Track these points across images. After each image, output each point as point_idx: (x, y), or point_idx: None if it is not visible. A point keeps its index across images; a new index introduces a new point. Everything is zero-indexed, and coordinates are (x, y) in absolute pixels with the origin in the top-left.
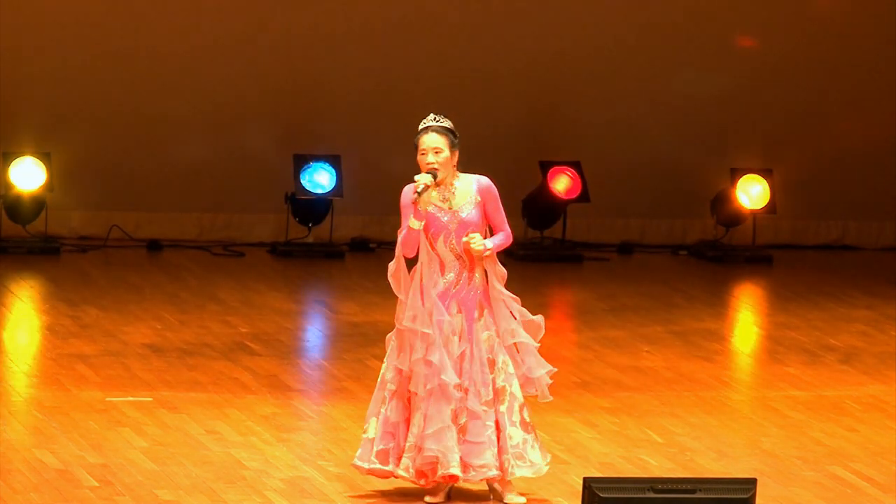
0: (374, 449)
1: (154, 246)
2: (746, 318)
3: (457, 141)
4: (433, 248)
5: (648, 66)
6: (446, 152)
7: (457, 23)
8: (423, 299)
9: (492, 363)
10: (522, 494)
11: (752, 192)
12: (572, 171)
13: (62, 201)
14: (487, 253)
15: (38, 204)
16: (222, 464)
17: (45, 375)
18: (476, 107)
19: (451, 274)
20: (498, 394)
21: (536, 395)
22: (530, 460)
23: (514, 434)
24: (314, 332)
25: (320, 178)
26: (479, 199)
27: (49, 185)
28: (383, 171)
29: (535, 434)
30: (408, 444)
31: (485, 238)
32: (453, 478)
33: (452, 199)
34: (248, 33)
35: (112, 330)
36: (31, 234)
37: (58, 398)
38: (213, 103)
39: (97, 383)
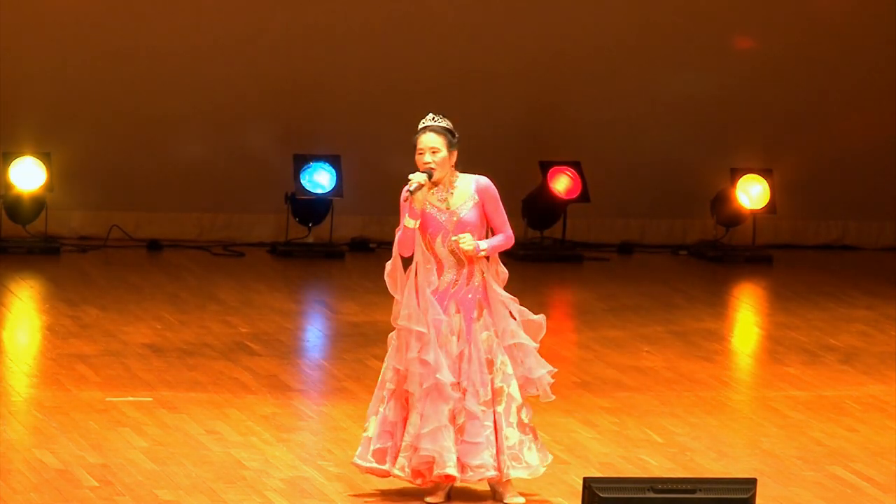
0: (372, 448)
1: (154, 246)
2: (746, 318)
3: (455, 141)
4: (432, 248)
5: (649, 67)
6: (443, 152)
7: (457, 23)
8: (418, 298)
9: (490, 363)
10: (522, 494)
11: (752, 192)
12: (572, 171)
13: (62, 201)
14: (482, 253)
15: (38, 204)
16: (222, 464)
17: (45, 375)
18: (476, 107)
19: (450, 274)
20: (496, 394)
21: (538, 396)
22: (526, 461)
23: (511, 435)
24: (314, 332)
25: (320, 178)
26: (477, 199)
27: (49, 185)
28: (383, 171)
29: (534, 435)
30: (404, 444)
31: (486, 239)
32: (450, 478)
33: (450, 198)
34: (248, 33)
35: (112, 330)
36: (31, 234)
37: (58, 398)
38: (213, 103)
39: (97, 383)
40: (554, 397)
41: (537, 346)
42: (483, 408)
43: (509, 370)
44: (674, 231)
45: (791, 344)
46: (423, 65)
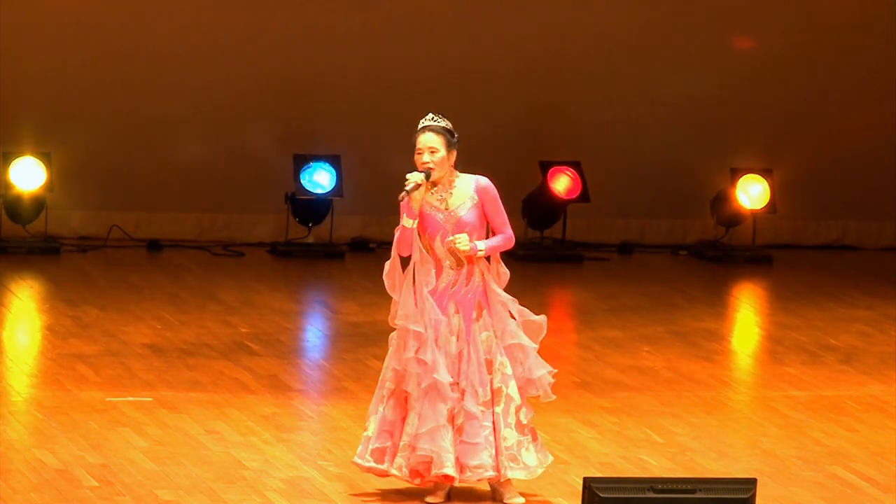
0: (370, 447)
1: (154, 246)
2: (746, 318)
3: (454, 141)
4: (431, 248)
5: (649, 67)
6: (442, 152)
7: (457, 23)
8: (415, 298)
9: (489, 364)
10: (522, 495)
11: (752, 192)
12: (572, 171)
13: (62, 201)
14: (480, 254)
15: (38, 204)
16: (222, 464)
17: (45, 375)
18: (476, 107)
19: (450, 274)
20: (494, 395)
21: (539, 396)
22: (523, 462)
23: (509, 435)
24: (314, 332)
25: (320, 178)
26: (476, 199)
27: (49, 185)
28: (383, 171)
29: (533, 436)
30: (402, 444)
31: (486, 239)
32: (448, 478)
33: (449, 198)
34: (248, 33)
35: (112, 330)
36: (31, 234)
37: (58, 398)
38: (213, 103)
39: (97, 383)
40: (554, 397)
41: (537, 346)
42: (482, 408)
43: (508, 371)
44: (674, 231)
45: (791, 344)
46: (423, 65)
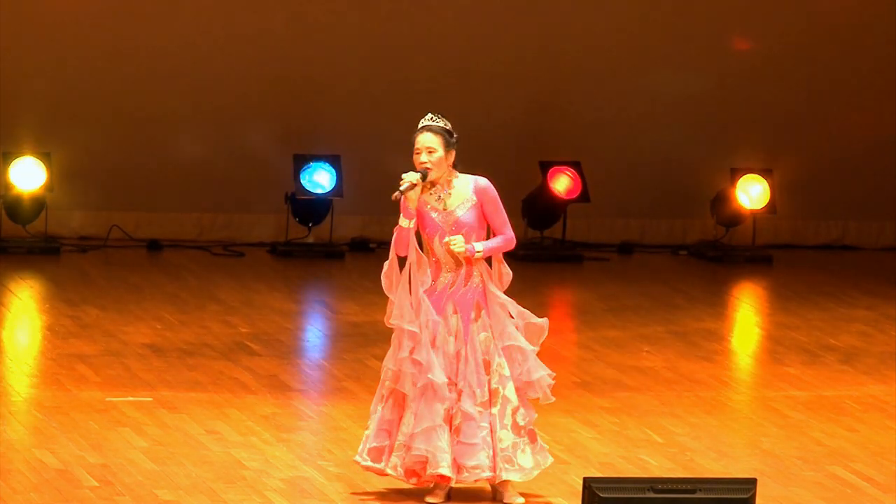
0: (368, 446)
1: (154, 246)
2: (746, 318)
3: (453, 141)
4: (430, 248)
5: (648, 66)
6: (440, 152)
7: (457, 23)
8: (411, 298)
9: (487, 364)
10: (522, 495)
11: (752, 192)
12: (572, 171)
13: (62, 201)
14: (478, 255)
15: (38, 204)
16: (222, 464)
17: (45, 375)
18: (476, 107)
19: (449, 274)
20: (492, 396)
21: (538, 398)
22: (519, 464)
23: (505, 437)
24: (314, 332)
25: (320, 178)
26: (475, 200)
27: (49, 185)
28: (383, 171)
29: (530, 438)
30: (397, 443)
31: (486, 241)
32: (445, 478)
33: (448, 199)
34: (248, 33)
35: (112, 330)
36: (31, 234)
37: (58, 398)
38: (214, 103)
39: (97, 383)
40: (554, 399)
41: (536, 348)
42: (479, 409)
43: (506, 372)
44: (674, 231)
45: (791, 344)
46: (423, 65)
